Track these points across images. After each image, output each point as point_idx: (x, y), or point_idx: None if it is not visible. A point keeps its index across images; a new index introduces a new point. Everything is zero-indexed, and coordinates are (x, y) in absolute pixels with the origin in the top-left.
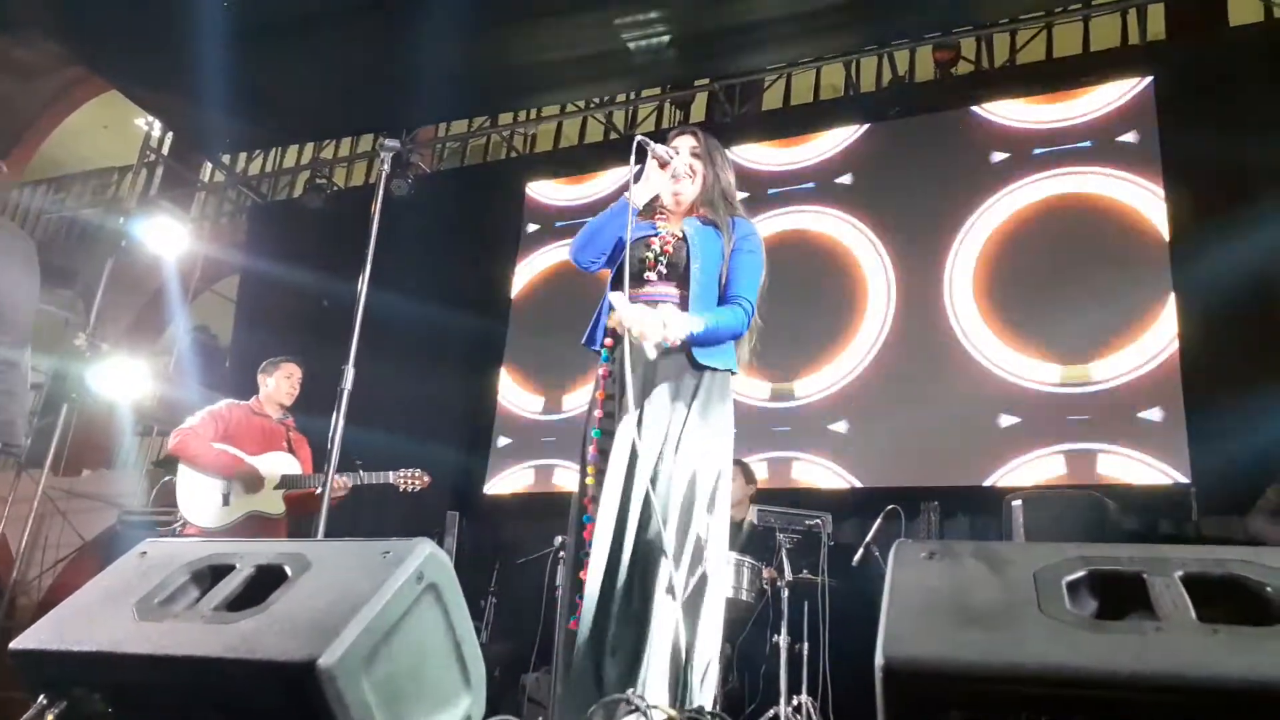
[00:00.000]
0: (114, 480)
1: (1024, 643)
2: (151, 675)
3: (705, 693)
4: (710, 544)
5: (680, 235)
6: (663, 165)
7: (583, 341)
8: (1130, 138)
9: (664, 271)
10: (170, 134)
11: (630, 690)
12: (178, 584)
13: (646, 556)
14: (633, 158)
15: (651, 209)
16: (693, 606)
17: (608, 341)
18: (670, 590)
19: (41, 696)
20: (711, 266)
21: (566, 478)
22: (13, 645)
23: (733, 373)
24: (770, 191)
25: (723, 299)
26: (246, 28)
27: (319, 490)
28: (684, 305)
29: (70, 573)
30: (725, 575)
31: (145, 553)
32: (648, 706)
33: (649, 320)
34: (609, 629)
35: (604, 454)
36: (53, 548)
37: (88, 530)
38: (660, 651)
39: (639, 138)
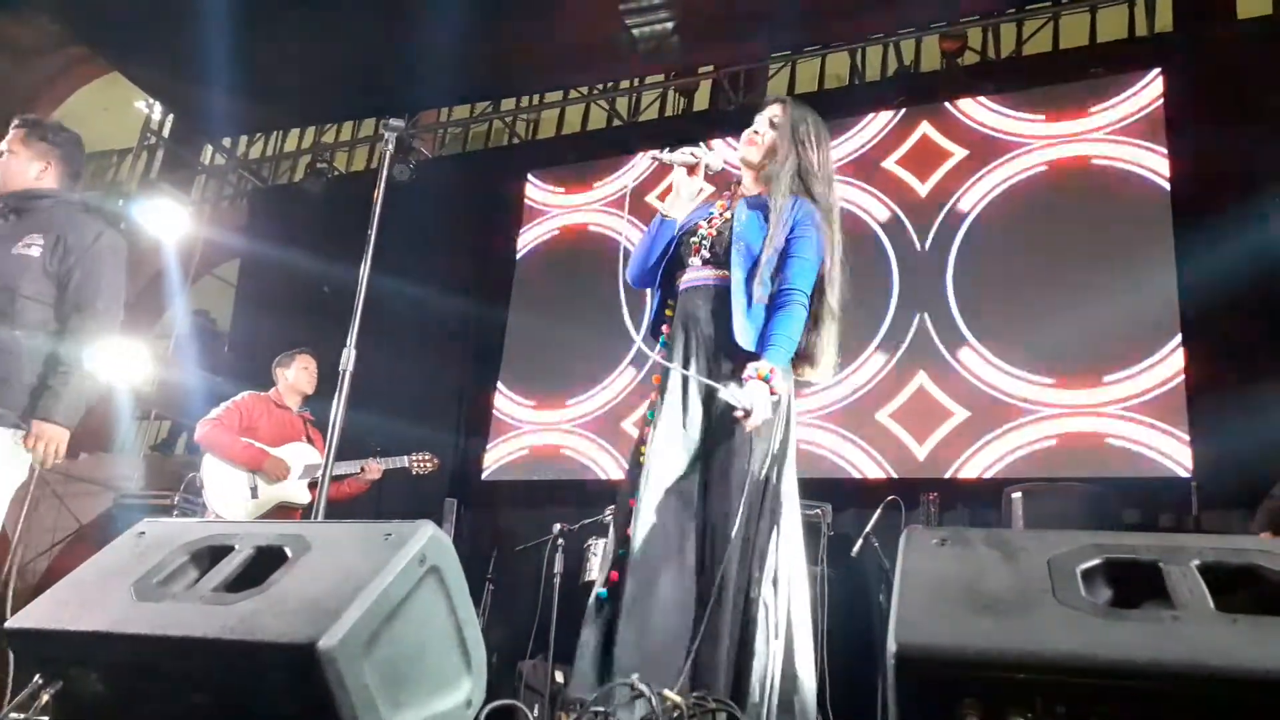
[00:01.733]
0: (112, 464)
1: (1039, 631)
2: (149, 656)
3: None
4: (783, 528)
5: (728, 218)
6: (691, 170)
7: (640, 338)
8: (1137, 130)
9: (706, 256)
10: (170, 117)
11: (635, 675)
12: (176, 564)
13: (686, 540)
14: (643, 174)
15: (723, 187)
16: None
17: (664, 328)
18: (725, 572)
19: (37, 676)
20: (754, 249)
21: (566, 465)
22: (8, 624)
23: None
24: None
25: (772, 285)
26: (249, 8)
27: (343, 477)
28: (723, 289)
29: (66, 556)
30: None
31: (143, 533)
32: (654, 691)
33: (762, 409)
34: (654, 607)
35: (650, 441)
36: (48, 531)
37: (84, 514)
38: (713, 633)
39: (652, 154)
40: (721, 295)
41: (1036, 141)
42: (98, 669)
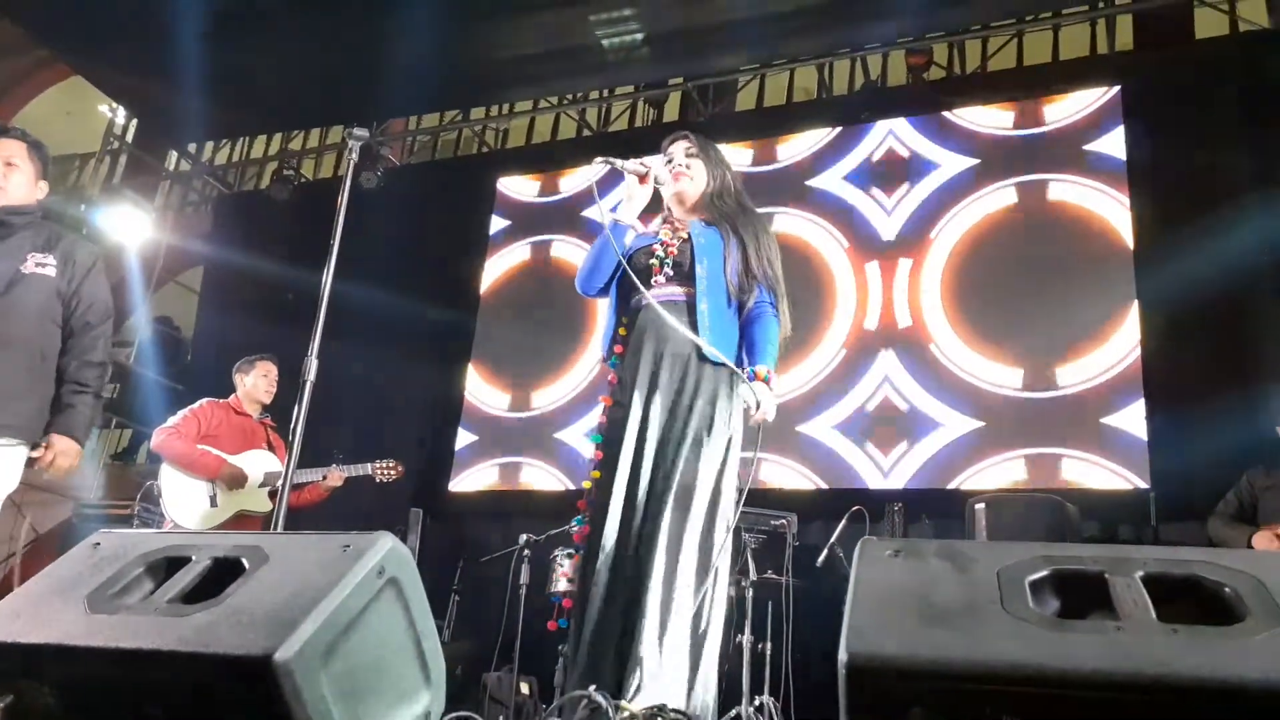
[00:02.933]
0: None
1: (987, 641)
2: (103, 669)
3: (710, 682)
4: (716, 536)
5: (685, 238)
6: (642, 179)
7: (601, 356)
8: (1097, 146)
9: (670, 273)
10: (134, 121)
11: (592, 686)
12: (131, 576)
13: (647, 547)
14: (594, 176)
15: (660, 218)
16: (701, 594)
17: (617, 348)
18: (672, 579)
19: None
20: (716, 265)
21: (533, 476)
22: None
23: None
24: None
25: (736, 298)
26: (217, 14)
27: (304, 485)
28: (690, 303)
29: (24, 567)
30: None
31: (98, 543)
32: (611, 703)
33: (769, 406)
34: (613, 616)
35: (607, 460)
36: (5, 541)
37: (43, 523)
38: (660, 640)
39: (601, 159)
40: (688, 309)
41: (999, 155)
42: (50, 682)
